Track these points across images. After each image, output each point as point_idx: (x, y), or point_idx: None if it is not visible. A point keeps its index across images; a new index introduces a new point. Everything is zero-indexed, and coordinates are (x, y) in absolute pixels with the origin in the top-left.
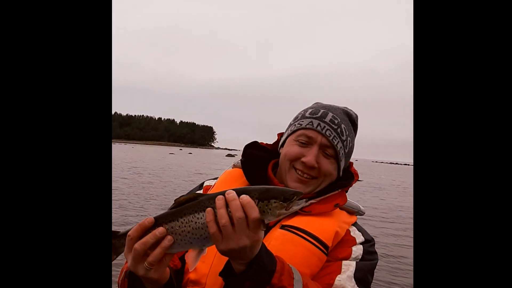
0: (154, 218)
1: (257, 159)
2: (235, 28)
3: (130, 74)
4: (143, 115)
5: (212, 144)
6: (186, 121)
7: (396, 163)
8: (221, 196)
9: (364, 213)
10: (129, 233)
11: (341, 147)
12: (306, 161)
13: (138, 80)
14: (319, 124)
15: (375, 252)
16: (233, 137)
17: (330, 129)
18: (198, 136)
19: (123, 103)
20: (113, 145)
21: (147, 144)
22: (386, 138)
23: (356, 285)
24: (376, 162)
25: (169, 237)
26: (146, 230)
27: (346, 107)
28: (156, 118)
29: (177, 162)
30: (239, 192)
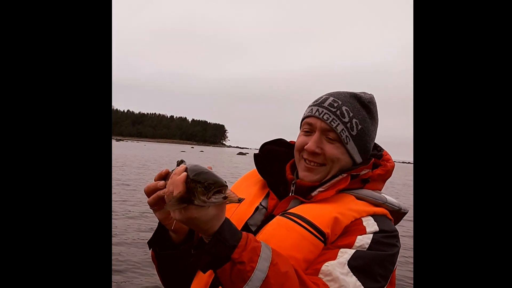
0: (169, 171)
1: (275, 154)
2: (248, 27)
3: (143, 72)
4: (155, 113)
5: (224, 142)
6: (198, 119)
7: (409, 163)
8: (178, 167)
9: (400, 209)
10: (155, 176)
11: (343, 129)
12: (307, 148)
13: (150, 78)
14: (317, 109)
15: (393, 245)
16: (244, 135)
17: (328, 113)
18: (210, 134)
19: (136, 101)
20: (125, 143)
21: (159, 142)
22: (399, 137)
23: (350, 273)
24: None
25: (165, 189)
26: (162, 178)
27: (361, 92)
28: (168, 116)
29: (188, 160)
30: (188, 168)
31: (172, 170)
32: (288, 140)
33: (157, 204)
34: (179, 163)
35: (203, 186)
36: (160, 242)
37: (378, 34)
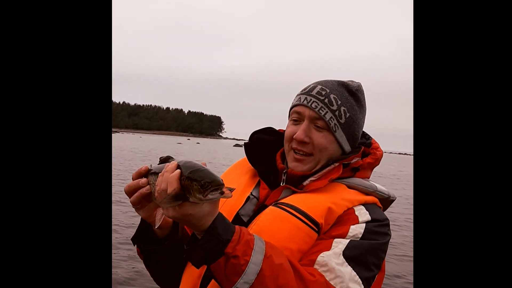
0: (149, 168)
1: (264, 143)
2: (244, 17)
3: (139, 63)
4: (151, 105)
5: (220, 134)
6: (194, 111)
7: (405, 154)
8: (168, 164)
9: (389, 196)
10: (132, 174)
11: (331, 117)
12: (296, 137)
13: (146, 69)
14: (305, 98)
15: (385, 233)
16: (241, 127)
17: (316, 101)
18: (206, 126)
19: (131, 92)
20: (121, 135)
21: (155, 134)
22: (396, 128)
23: (345, 263)
24: (385, 152)
25: (148, 186)
26: (142, 175)
27: (348, 80)
28: (164, 108)
29: (185, 152)
30: (180, 165)
31: (151, 167)
32: (277, 129)
33: (141, 203)
34: (164, 159)
35: (199, 184)
36: (144, 238)
37: (375, 25)
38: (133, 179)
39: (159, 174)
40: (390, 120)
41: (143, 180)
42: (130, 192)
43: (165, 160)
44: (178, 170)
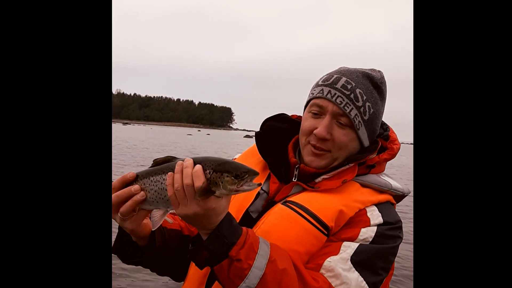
0: (136, 173)
1: (277, 132)
2: (254, 9)
3: (149, 55)
4: (162, 96)
5: (231, 125)
6: (204, 102)
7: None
8: (181, 161)
9: (403, 192)
10: (113, 183)
11: (356, 115)
12: (316, 133)
13: (157, 61)
14: (329, 91)
15: (397, 237)
16: (251, 118)
17: (341, 96)
18: (217, 117)
19: (142, 84)
20: (132, 127)
21: (166, 125)
22: (410, 118)
23: (352, 268)
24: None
25: (142, 192)
26: (127, 183)
27: (370, 69)
28: (175, 99)
29: (195, 144)
30: (198, 161)
31: (139, 172)
32: (290, 114)
33: (132, 212)
34: (163, 160)
35: (232, 175)
36: (122, 251)
37: (388, 13)
38: (117, 189)
39: (168, 174)
40: (405, 110)
41: (135, 186)
42: (120, 202)
43: (164, 160)
44: (200, 165)
